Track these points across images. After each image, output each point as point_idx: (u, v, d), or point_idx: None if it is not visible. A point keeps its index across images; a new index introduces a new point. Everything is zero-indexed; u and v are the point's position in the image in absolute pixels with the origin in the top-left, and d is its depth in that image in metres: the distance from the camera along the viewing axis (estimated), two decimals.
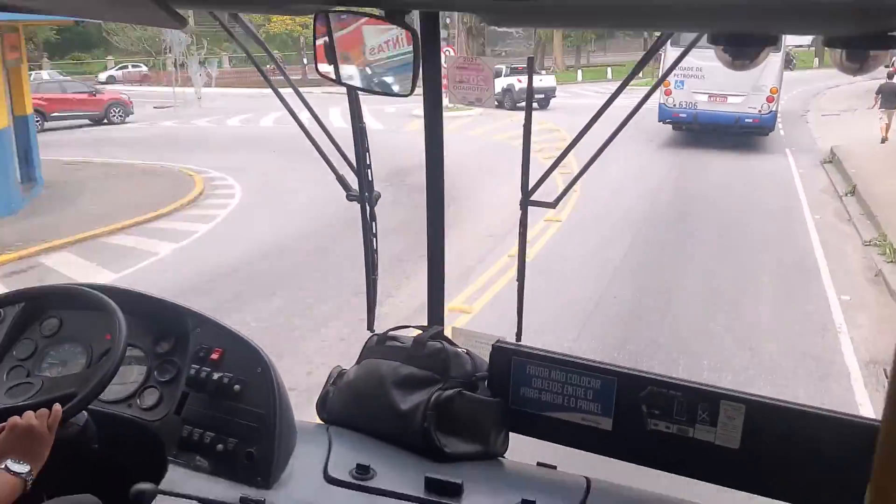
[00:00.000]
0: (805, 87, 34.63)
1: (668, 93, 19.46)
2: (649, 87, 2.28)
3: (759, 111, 19.04)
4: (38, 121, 22.55)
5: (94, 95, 27.48)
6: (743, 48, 1.41)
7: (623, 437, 2.05)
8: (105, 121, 27.18)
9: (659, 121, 20.17)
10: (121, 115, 27.60)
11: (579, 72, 48.17)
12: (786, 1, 1.12)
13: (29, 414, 1.74)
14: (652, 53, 2.22)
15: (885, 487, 0.47)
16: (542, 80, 29.75)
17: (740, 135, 19.79)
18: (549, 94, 29.46)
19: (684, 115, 19.78)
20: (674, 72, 17.17)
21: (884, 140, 18.71)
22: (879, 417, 1.33)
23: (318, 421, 2.28)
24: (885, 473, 0.47)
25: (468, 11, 1.46)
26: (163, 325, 2.28)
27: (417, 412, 2.06)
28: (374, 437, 2.11)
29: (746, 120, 19.13)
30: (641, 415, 2.00)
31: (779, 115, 20.48)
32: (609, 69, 46.04)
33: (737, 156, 18.65)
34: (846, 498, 1.76)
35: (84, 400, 1.87)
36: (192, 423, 2.06)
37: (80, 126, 26.34)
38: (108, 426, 2.06)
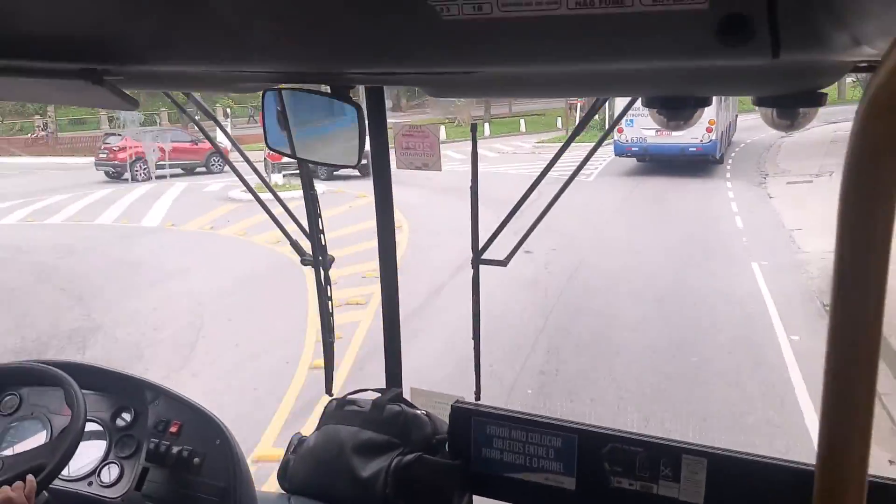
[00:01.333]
0: (761, 133, 28.07)
1: (619, 130, 21.99)
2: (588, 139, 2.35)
3: (701, 140, 21.49)
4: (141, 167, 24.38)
5: (196, 144, 26.63)
6: (676, 111, 1.47)
7: (587, 496, 2.04)
8: None
9: (615, 155, 23.16)
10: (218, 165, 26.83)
11: (486, 125, 38.62)
12: (714, 66, 1.18)
13: (5, 489, 1.71)
14: (588, 119, 2.27)
15: None
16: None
17: (688, 167, 21.75)
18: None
19: (636, 149, 22.48)
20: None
21: None
22: None
23: (280, 491, 2.26)
24: None
25: (412, 85, 1.51)
26: (121, 399, 2.26)
27: (378, 479, 2.05)
28: None
29: (690, 149, 21.69)
30: (604, 472, 2.00)
31: (728, 171, 20.84)
32: (522, 121, 39.62)
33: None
34: None
35: (55, 470, 1.84)
36: (154, 499, 2.04)
37: None
38: None
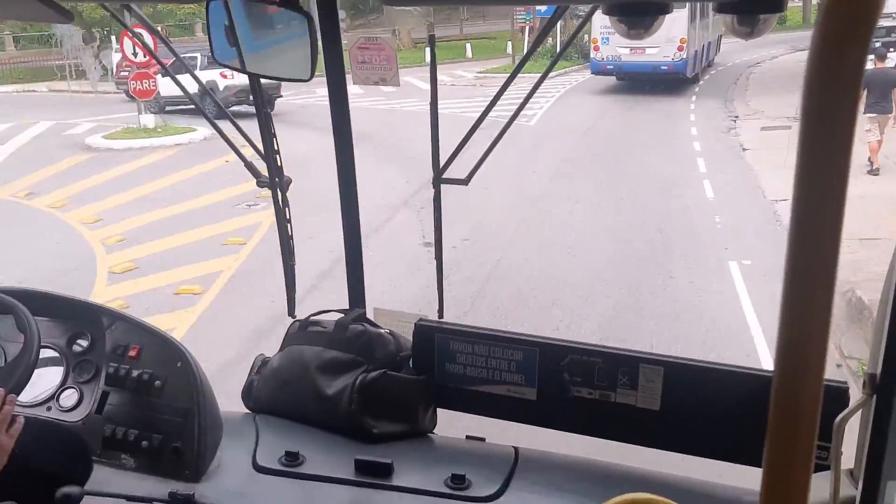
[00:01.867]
0: (737, 57, 27.70)
1: (596, 48, 23.29)
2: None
3: (672, 59, 22.42)
4: None
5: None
6: (636, 18, 1.43)
7: (548, 406, 2.09)
8: None
9: (592, 72, 24.45)
10: None
11: (426, 50, 33.32)
12: None
13: None
14: (537, 44, 2.22)
15: (778, 437, 0.50)
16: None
17: (661, 85, 22.44)
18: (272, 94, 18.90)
19: (611, 67, 23.67)
20: (599, 30, 21.71)
21: (873, 170, 11.71)
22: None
23: (245, 410, 2.26)
24: (778, 423, 0.50)
25: None
26: (77, 325, 2.22)
27: (343, 396, 2.07)
28: (302, 423, 2.11)
29: (662, 67, 22.60)
30: (564, 383, 2.05)
31: (694, 105, 20.29)
32: (468, 45, 35.44)
33: None
34: (762, 450, 1.83)
35: (14, 392, 1.81)
36: (115, 421, 2.03)
37: None
38: (28, 430, 2.00)
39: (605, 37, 22.16)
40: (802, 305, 0.47)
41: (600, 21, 19.39)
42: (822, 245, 0.46)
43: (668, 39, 21.65)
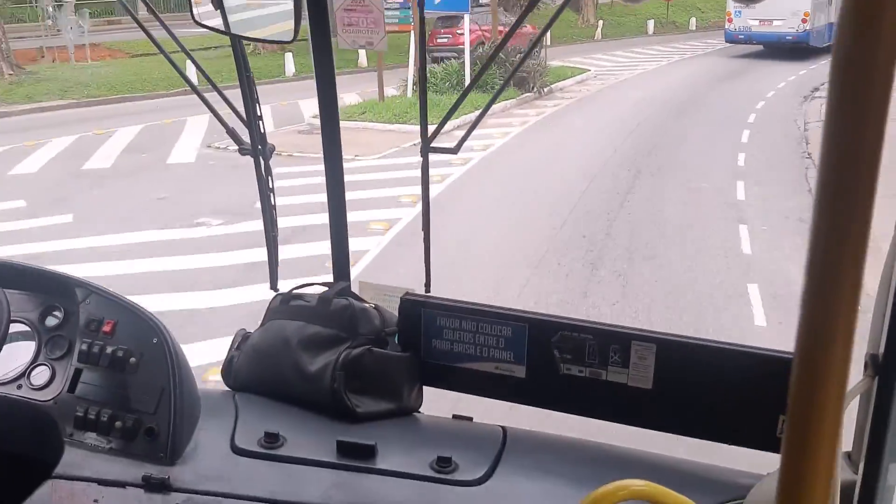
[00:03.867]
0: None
1: (729, 20, 28.14)
2: None
3: (797, 30, 26.60)
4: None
5: (521, 28, 26.56)
6: None
7: (537, 384, 2.04)
8: None
9: (726, 41, 28.86)
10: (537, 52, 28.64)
11: (600, 25, 36.73)
12: None
13: None
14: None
15: (800, 419, 0.48)
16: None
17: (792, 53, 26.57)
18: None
19: (742, 37, 28.02)
20: (733, 4, 27.50)
21: None
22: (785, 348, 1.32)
23: (224, 388, 2.20)
24: (799, 405, 0.47)
25: None
26: (50, 298, 2.13)
27: (326, 373, 2.00)
28: (283, 401, 2.04)
29: (787, 37, 26.73)
30: (554, 360, 1.99)
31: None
32: (693, 20, 39.49)
33: None
34: (756, 430, 1.79)
35: None
36: (88, 400, 1.95)
37: None
38: None
39: (738, 10, 27.04)
40: (829, 281, 0.44)
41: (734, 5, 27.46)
42: (852, 212, 0.43)
43: (794, 12, 25.80)
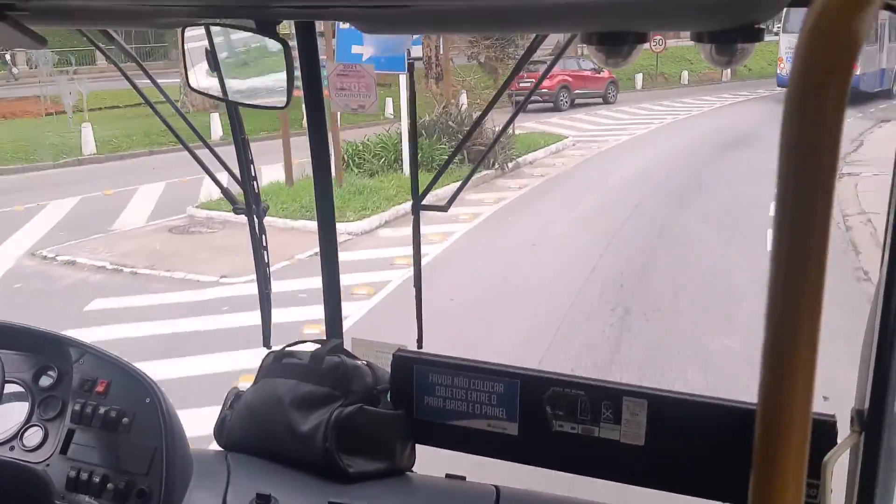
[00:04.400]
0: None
1: (781, 67, 28.64)
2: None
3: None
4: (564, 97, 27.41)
5: (599, 73, 28.66)
6: (614, 47, 1.44)
7: (529, 442, 2.03)
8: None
9: (777, 85, 29.37)
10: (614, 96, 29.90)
11: (638, 77, 36.61)
12: (651, 1, 1.15)
13: None
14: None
15: (764, 475, 0.49)
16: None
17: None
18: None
19: None
20: (784, 49, 27.48)
21: None
22: None
23: (217, 448, 2.19)
24: (763, 460, 0.48)
25: (340, 20, 1.43)
26: (45, 358, 2.13)
27: (318, 432, 2.00)
28: (275, 461, 2.03)
29: None
30: (546, 417, 1.99)
31: None
32: (685, 73, 38.10)
33: None
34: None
35: None
36: (80, 461, 1.94)
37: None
38: None
39: (789, 56, 27.36)
40: (788, 330, 0.45)
41: (786, 42, 27.33)
42: (807, 268, 0.45)
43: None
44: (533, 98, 27.12)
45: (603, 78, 29.02)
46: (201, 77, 1.85)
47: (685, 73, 38.81)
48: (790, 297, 0.45)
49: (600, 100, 29.34)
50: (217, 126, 19.94)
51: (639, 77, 36.89)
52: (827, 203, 0.44)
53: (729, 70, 27.00)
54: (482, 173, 15.49)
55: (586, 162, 18.26)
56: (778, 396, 0.46)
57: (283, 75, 1.55)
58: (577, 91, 28.40)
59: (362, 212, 12.14)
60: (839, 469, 1.40)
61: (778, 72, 29.57)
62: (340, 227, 9.09)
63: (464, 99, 20.08)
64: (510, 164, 16.86)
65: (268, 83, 1.67)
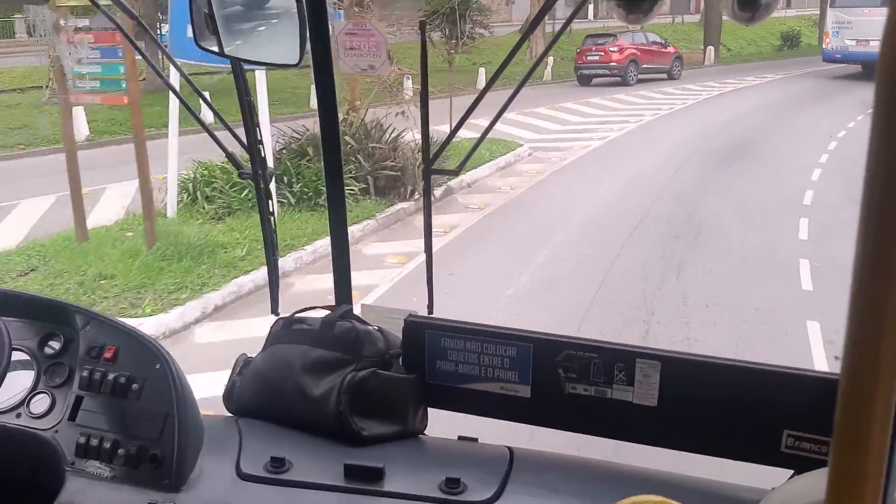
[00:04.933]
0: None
1: (827, 42, 28.72)
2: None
3: None
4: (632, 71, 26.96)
5: (665, 48, 28.78)
6: (634, 3, 1.39)
7: (542, 404, 2.02)
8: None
9: (823, 60, 29.35)
10: (678, 71, 29.65)
11: (550, 62, 29.48)
12: None
13: None
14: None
15: (849, 439, 0.49)
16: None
17: None
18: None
19: (839, 56, 28.47)
20: (831, 24, 28.23)
21: None
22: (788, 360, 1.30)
23: (227, 414, 2.18)
24: (849, 425, 0.49)
25: None
26: (49, 326, 2.11)
27: (331, 397, 1.98)
28: (288, 426, 2.02)
29: None
30: (559, 379, 1.98)
31: None
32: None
33: None
34: (762, 446, 1.80)
35: None
36: (90, 428, 1.91)
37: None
38: None
39: (836, 31, 27.82)
40: (875, 299, 0.44)
41: (833, 17, 28.23)
42: None
43: None
44: (601, 72, 27.93)
45: (669, 53, 28.96)
46: (206, 35, 1.79)
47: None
48: (878, 273, 0.44)
49: (665, 76, 29.05)
50: (83, 124, 16.42)
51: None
52: None
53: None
54: (394, 209, 10.67)
55: (546, 181, 14.04)
56: (864, 366, 0.46)
57: (292, 27, 1.49)
58: (644, 66, 28.05)
59: (173, 294, 7.58)
60: None
61: (824, 47, 29.63)
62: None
63: (409, 85, 15.17)
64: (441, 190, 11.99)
65: (275, 36, 1.62)
